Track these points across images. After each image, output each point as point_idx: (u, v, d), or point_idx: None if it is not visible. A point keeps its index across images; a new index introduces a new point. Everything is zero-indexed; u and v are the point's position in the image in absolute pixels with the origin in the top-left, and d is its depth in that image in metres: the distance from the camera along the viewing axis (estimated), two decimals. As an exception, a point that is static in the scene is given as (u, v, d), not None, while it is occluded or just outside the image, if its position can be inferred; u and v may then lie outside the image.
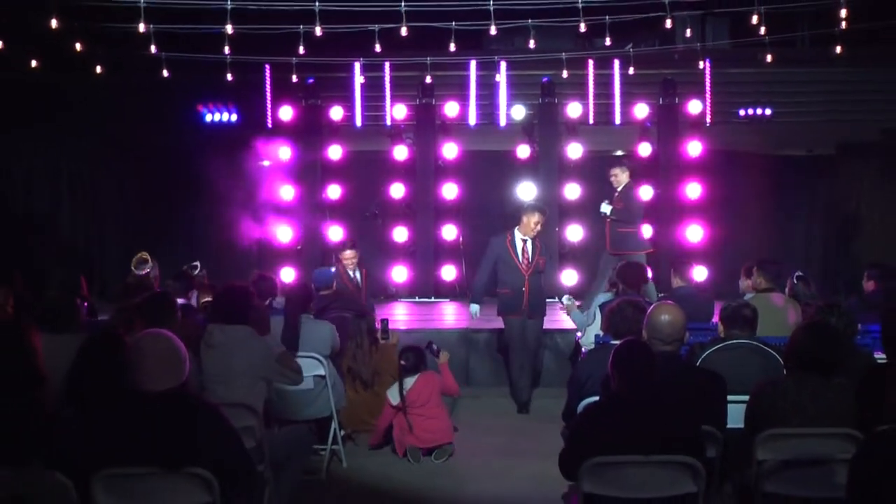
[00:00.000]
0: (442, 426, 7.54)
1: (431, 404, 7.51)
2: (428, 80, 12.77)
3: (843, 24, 11.73)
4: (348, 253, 9.74)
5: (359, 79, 13.13)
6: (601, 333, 7.01)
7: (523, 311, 8.97)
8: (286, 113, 12.83)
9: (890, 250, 12.78)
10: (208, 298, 8.13)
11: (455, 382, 8.15)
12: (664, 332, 4.92)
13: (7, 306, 7.49)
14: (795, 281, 8.42)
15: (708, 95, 13.01)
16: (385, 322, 8.82)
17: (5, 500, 3.22)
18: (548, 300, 9.67)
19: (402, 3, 11.68)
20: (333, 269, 9.69)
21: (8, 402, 4.02)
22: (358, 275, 9.78)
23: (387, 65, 13.02)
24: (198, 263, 10.51)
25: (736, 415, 4.81)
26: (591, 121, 13.00)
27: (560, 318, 9.98)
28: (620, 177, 10.81)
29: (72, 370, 4.58)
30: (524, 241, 8.96)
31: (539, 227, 8.97)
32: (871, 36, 12.25)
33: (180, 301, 7.89)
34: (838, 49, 12.30)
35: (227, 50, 12.00)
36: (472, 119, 13.20)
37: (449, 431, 7.60)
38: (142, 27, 11.44)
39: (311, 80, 12.75)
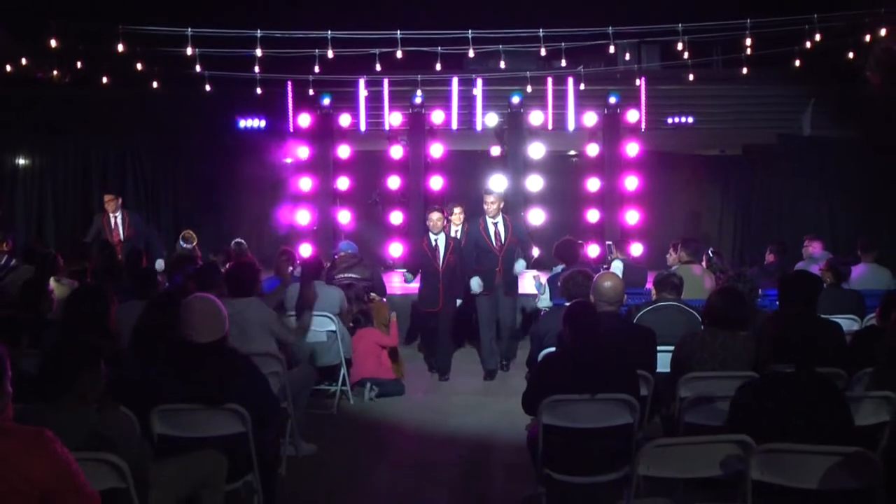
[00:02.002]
0: (363, 368, 7.43)
1: (361, 349, 7.45)
2: (419, 93, 12.66)
3: (749, 51, 11.94)
4: (434, 216, 8.18)
5: (363, 92, 13.02)
6: (550, 300, 7.05)
7: (496, 287, 8.09)
8: (304, 120, 12.71)
9: (785, 229, 12.83)
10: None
11: (396, 338, 7.83)
12: (607, 295, 4.93)
13: (86, 275, 7.47)
14: (711, 255, 8.44)
15: (643, 107, 12.94)
16: (366, 291, 8.62)
17: (93, 435, 3.19)
18: (529, 271, 8.57)
19: (398, 32, 11.71)
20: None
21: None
22: (441, 242, 8.14)
23: (385, 81, 12.91)
24: (241, 240, 10.48)
25: (664, 361, 4.84)
26: (549, 127, 12.91)
27: (526, 286, 9.82)
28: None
29: (136, 326, 4.55)
30: (495, 224, 8.09)
31: (494, 206, 8.06)
32: (769, 60, 12.33)
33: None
34: (745, 70, 12.40)
35: (257, 69, 12.08)
36: (455, 125, 13.11)
37: (370, 372, 7.44)
38: (189, 51, 11.57)
39: (324, 98, 12.64)
